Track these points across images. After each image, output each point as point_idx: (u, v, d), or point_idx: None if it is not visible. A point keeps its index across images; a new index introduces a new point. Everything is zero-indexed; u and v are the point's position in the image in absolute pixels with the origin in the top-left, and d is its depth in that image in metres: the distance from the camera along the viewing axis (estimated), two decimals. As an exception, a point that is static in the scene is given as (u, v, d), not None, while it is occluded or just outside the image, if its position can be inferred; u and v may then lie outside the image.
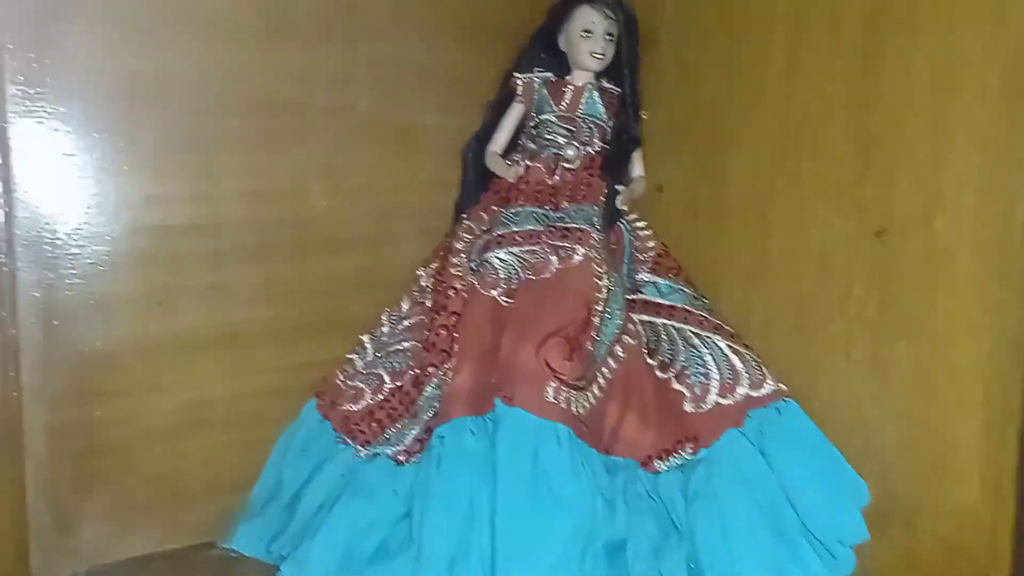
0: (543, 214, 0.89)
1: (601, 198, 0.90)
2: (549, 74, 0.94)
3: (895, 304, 0.75)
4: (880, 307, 0.76)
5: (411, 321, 0.91)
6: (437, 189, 0.96)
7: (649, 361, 0.88)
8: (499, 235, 0.88)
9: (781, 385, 0.82)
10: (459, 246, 0.91)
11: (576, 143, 0.91)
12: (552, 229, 0.88)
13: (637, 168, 0.95)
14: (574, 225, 0.87)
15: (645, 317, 0.90)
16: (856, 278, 0.78)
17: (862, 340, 0.77)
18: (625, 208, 0.91)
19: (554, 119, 0.92)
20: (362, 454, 0.84)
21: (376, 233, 0.94)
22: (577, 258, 0.85)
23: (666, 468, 0.81)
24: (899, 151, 0.74)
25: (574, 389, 0.80)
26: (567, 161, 0.91)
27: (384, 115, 0.93)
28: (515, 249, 0.87)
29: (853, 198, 0.77)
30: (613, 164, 0.92)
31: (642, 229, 0.94)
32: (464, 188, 0.96)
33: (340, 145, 0.91)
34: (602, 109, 0.92)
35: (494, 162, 0.94)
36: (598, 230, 0.88)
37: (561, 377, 0.80)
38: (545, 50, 0.95)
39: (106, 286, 0.80)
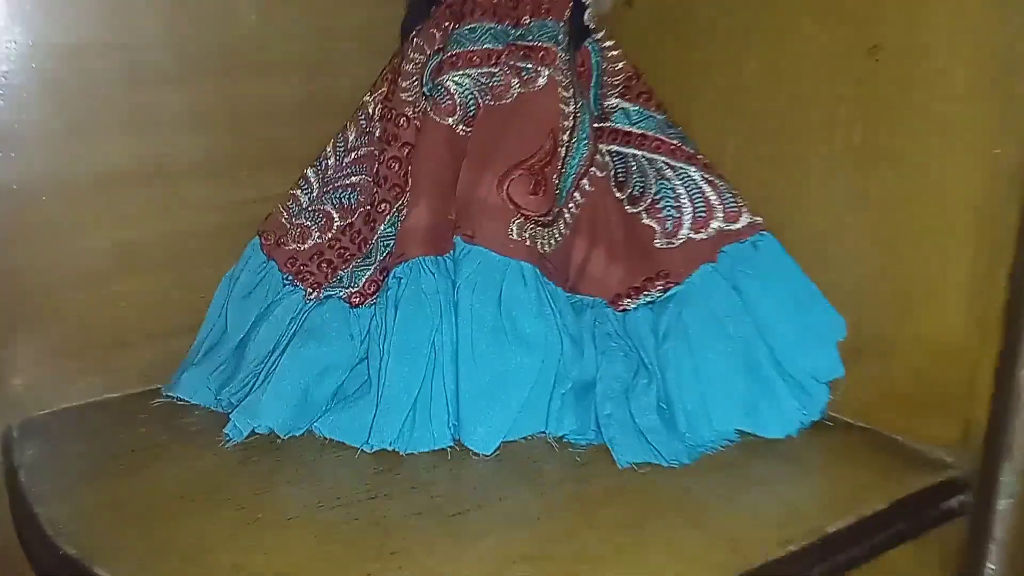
0: (502, 31, 0.80)
1: (567, 13, 0.81)
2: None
3: (883, 128, 0.69)
4: (866, 132, 0.71)
5: (359, 153, 0.83)
6: (382, 5, 0.85)
7: (618, 195, 0.82)
8: (453, 55, 0.79)
9: (757, 218, 0.78)
10: (409, 68, 0.82)
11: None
12: (512, 48, 0.79)
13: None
14: (537, 43, 0.78)
15: (614, 147, 0.84)
16: (842, 100, 0.72)
17: (845, 168, 0.73)
18: (592, 25, 0.82)
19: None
20: (312, 296, 0.78)
21: (315, 53, 0.84)
22: (541, 81, 0.77)
23: (635, 306, 0.78)
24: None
25: (540, 225, 0.75)
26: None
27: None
28: (472, 71, 0.79)
29: (844, 8, 0.70)
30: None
31: (611, 49, 0.86)
32: (412, 1, 0.85)
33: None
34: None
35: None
36: (563, 50, 0.79)
37: (526, 213, 0.74)
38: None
39: (11, 116, 0.70)
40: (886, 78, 0.68)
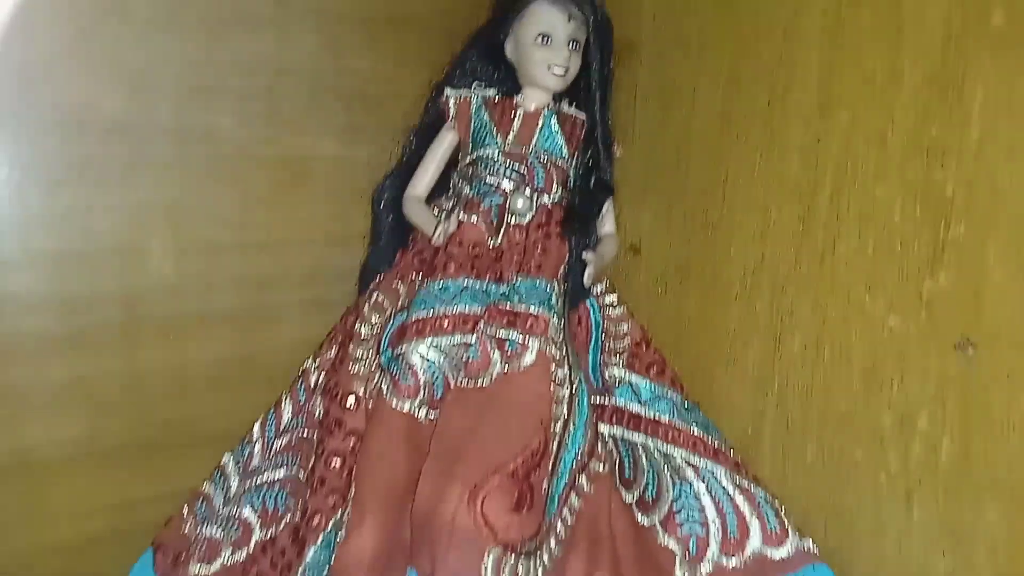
0: (482, 289, 0.64)
1: (562, 269, 0.65)
2: (492, 92, 0.69)
3: (978, 444, 0.52)
4: (957, 447, 0.53)
5: (293, 437, 0.65)
6: (333, 246, 0.70)
7: (625, 496, 0.64)
8: (419, 319, 0.62)
9: (808, 541, 0.59)
10: (363, 331, 0.65)
11: (527, 190, 0.66)
12: (495, 311, 0.63)
13: (607, 223, 0.71)
14: (524, 308, 0.62)
15: (619, 431, 0.67)
16: (923, 401, 0.55)
17: (929, 487, 0.55)
18: (591, 283, 0.67)
19: (498, 155, 0.67)
20: (214, 645, 0.57)
21: (244, 307, 0.67)
22: (529, 357, 0.61)
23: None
24: (987, 228, 0.51)
25: (522, 555, 0.56)
26: (515, 215, 0.66)
27: (258, 142, 0.66)
28: (442, 340, 0.62)
29: (919, 293, 0.55)
30: (578, 220, 0.67)
31: (614, 307, 0.70)
32: (373, 246, 0.70)
33: (192, 183, 0.64)
34: (562, 143, 0.68)
35: (415, 211, 0.68)
36: (557, 315, 0.63)
37: (506, 540, 0.55)
38: (488, 59, 0.70)
39: None
40: (976, 378, 0.52)
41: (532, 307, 0.62)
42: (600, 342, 0.70)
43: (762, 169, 0.64)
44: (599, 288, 0.70)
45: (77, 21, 0.57)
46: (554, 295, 0.64)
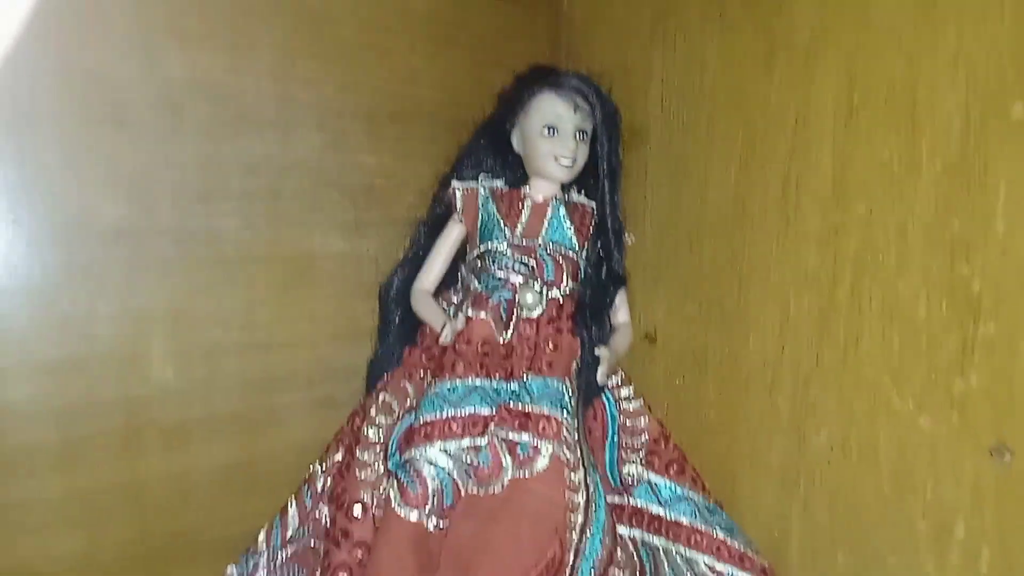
0: (492, 388, 0.62)
1: (574, 365, 0.63)
2: (499, 183, 0.68)
3: (1021, 556, 0.49)
4: (999, 558, 0.50)
5: (298, 547, 0.63)
6: (340, 344, 0.69)
7: (646, 606, 0.61)
8: (427, 422, 0.60)
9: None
10: (371, 433, 0.63)
11: (537, 284, 0.64)
12: (506, 413, 0.60)
13: (621, 313, 0.69)
14: (536, 409, 0.60)
15: (639, 534, 0.64)
16: (959, 508, 0.52)
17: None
18: (607, 380, 0.65)
19: (506, 249, 0.65)
20: None
21: (248, 410, 0.65)
22: (541, 462, 0.58)
23: None
24: (1018, 327, 0.49)
25: None
26: (525, 309, 0.64)
27: (261, 242, 0.65)
28: (451, 444, 0.60)
29: (949, 392, 0.52)
30: (590, 313, 0.65)
31: (630, 400, 0.68)
32: (381, 343, 0.69)
33: (194, 286, 0.62)
34: (572, 234, 0.66)
35: (423, 305, 0.67)
36: (571, 415, 0.61)
37: (520, 662, 0.52)
38: (494, 150, 0.69)
39: None
40: (1015, 487, 0.49)
41: (544, 408, 0.60)
42: (617, 438, 0.67)
43: (778, 258, 0.62)
44: (615, 380, 0.68)
45: (75, 128, 0.56)
46: (567, 394, 0.61)
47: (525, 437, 0.59)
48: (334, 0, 0.66)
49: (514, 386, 0.62)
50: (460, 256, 0.69)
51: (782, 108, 0.61)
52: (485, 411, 0.61)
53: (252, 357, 0.65)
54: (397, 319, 0.68)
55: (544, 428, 0.59)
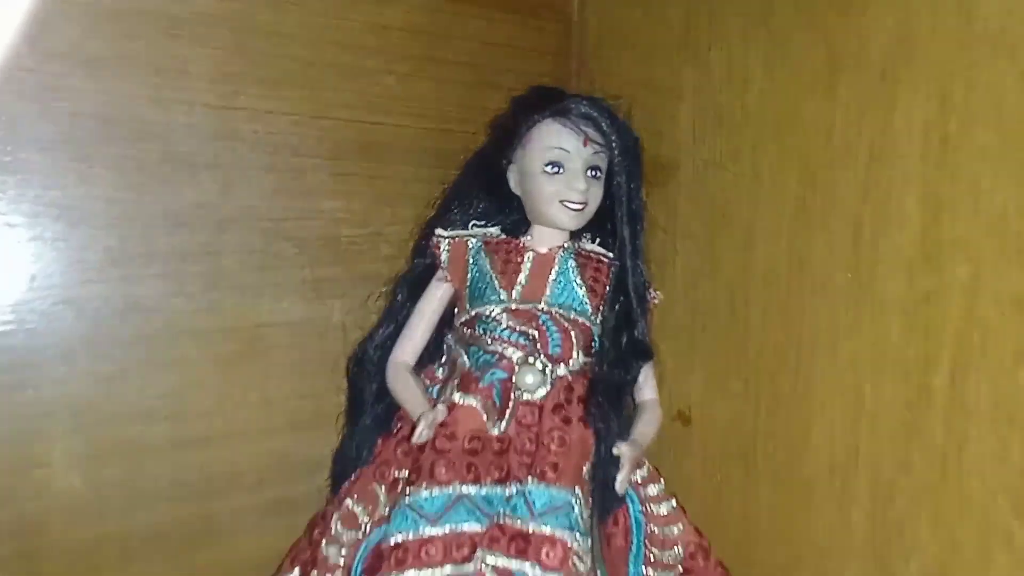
0: (483, 497, 0.49)
1: (585, 465, 0.50)
2: (494, 231, 0.55)
3: None
4: None
5: None
6: (296, 434, 0.57)
7: None
8: (399, 543, 0.47)
9: None
10: (331, 554, 0.50)
11: (539, 360, 0.51)
12: (498, 532, 0.47)
13: (647, 389, 0.56)
14: (538, 529, 0.46)
15: None
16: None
17: None
18: (624, 489, 0.51)
19: (501, 314, 0.52)
20: None
21: (182, 522, 0.53)
22: (545, 603, 0.45)
23: None
24: None
25: None
26: (525, 393, 0.51)
27: (197, 311, 0.52)
28: (429, 574, 0.46)
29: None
30: (607, 397, 0.52)
31: (659, 501, 0.54)
32: (349, 432, 0.56)
33: (108, 366, 0.50)
34: (584, 294, 0.53)
35: (400, 383, 0.54)
36: (582, 535, 0.47)
37: None
38: (487, 192, 0.56)
39: None
40: None
41: (548, 527, 0.46)
42: (643, 551, 0.54)
43: (850, 331, 0.48)
44: (639, 474, 0.54)
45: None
46: (577, 508, 0.48)
47: (524, 567, 0.46)
48: (287, 12, 0.54)
49: (510, 491, 0.49)
50: (447, 321, 0.56)
51: (851, 137, 0.47)
52: (473, 528, 0.48)
53: (185, 455, 0.52)
54: (370, 400, 0.55)
55: (548, 554, 0.46)
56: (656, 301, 0.56)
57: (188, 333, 0.52)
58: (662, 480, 0.55)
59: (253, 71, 0.53)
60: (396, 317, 0.56)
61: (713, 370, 0.57)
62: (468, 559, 0.47)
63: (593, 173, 0.53)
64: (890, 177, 0.45)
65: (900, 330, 0.45)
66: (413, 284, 0.56)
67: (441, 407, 0.50)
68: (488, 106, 0.58)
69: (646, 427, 0.54)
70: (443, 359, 0.56)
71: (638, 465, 0.54)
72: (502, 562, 0.46)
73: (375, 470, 0.53)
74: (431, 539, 0.47)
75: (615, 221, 0.54)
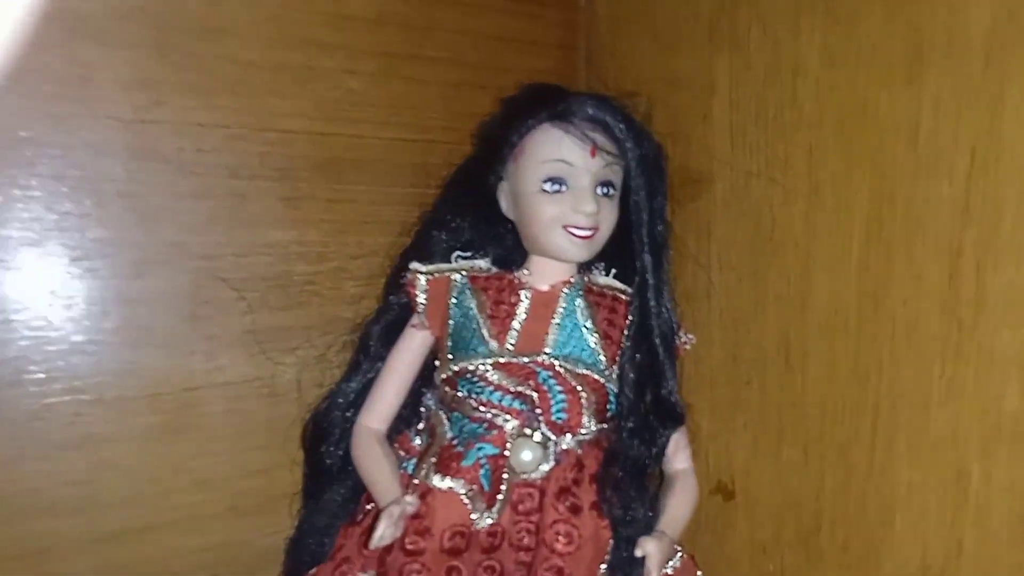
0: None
1: (600, 569, 0.39)
2: (482, 264, 0.44)
3: None
4: None
5: None
6: (240, 520, 0.46)
7: None
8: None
9: None
10: None
11: (539, 431, 0.40)
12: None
13: (679, 458, 0.44)
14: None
15: None
16: None
17: None
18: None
19: (490, 370, 0.41)
20: None
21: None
22: None
23: None
24: None
25: None
26: (521, 472, 0.40)
27: (108, 371, 0.42)
28: None
29: None
30: (628, 474, 0.41)
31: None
32: (305, 518, 0.45)
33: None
34: (596, 342, 0.42)
35: (368, 456, 0.44)
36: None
37: None
38: (474, 216, 0.45)
39: None
40: None
41: (549, 660, 0.35)
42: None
43: (947, 391, 0.36)
44: (670, 564, 0.43)
45: None
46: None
47: None
48: (224, 3, 0.43)
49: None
50: (428, 376, 0.45)
51: (942, 139, 0.36)
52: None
53: (100, 553, 0.41)
54: (332, 476, 0.45)
55: None
56: (687, 347, 0.44)
57: (99, 402, 0.41)
58: (699, 573, 0.43)
59: (178, 75, 0.42)
60: (364, 373, 0.45)
61: (762, 433, 0.45)
62: None
63: (604, 190, 0.42)
64: (1000, 191, 0.34)
65: (1018, 393, 0.33)
66: (384, 332, 0.45)
67: (410, 498, 0.39)
68: (476, 111, 0.47)
69: (678, 510, 0.43)
70: (421, 424, 0.45)
71: (668, 557, 0.42)
72: None
73: (334, 570, 0.42)
74: None
75: (634, 248, 0.43)
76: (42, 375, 0.40)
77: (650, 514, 0.41)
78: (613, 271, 0.45)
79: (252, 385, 0.45)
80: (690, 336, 0.45)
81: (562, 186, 0.41)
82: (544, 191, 0.41)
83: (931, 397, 0.37)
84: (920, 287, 0.37)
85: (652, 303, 0.42)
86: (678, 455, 0.44)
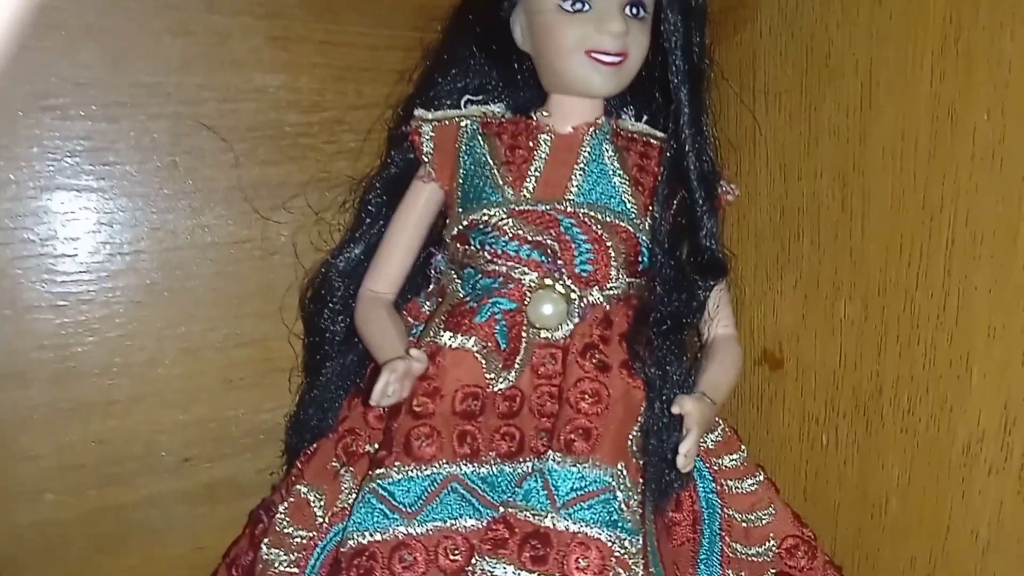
0: (482, 479, 0.34)
1: (632, 431, 0.34)
2: (496, 109, 0.39)
3: None
4: None
5: None
6: (232, 393, 0.42)
7: None
8: (363, 548, 0.33)
9: None
10: (275, 561, 0.35)
11: (561, 283, 0.36)
12: (505, 529, 0.32)
13: (722, 319, 0.39)
14: (564, 526, 0.31)
15: None
16: None
17: None
18: (694, 461, 0.35)
19: (506, 219, 0.36)
20: None
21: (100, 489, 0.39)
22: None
23: None
24: None
25: None
26: (542, 328, 0.35)
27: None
28: (403, 595, 0.32)
29: None
30: (663, 332, 0.36)
31: (740, 476, 0.38)
32: (306, 392, 0.41)
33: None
34: (625, 189, 0.37)
35: (372, 321, 0.39)
36: (630, 534, 0.32)
37: None
38: (486, 54, 0.40)
39: None
40: None
41: (576, 524, 0.31)
42: (719, 546, 0.38)
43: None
44: (710, 439, 0.39)
45: None
46: (621, 494, 0.32)
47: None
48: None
49: (523, 468, 0.34)
50: (437, 236, 0.40)
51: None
52: (467, 526, 0.33)
53: (80, 429, 0.38)
54: (334, 347, 0.40)
55: (578, 564, 0.30)
56: (730, 197, 0.39)
57: (72, 260, 0.37)
58: (743, 447, 0.39)
59: None
60: (367, 233, 0.40)
61: (814, 290, 0.40)
62: (461, 571, 0.32)
63: (634, 11, 0.36)
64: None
65: None
66: (388, 187, 0.40)
67: (417, 352, 0.35)
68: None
69: (720, 375, 0.38)
70: (431, 287, 0.40)
71: (709, 428, 0.38)
72: (511, 574, 0.31)
73: (337, 442, 0.38)
74: (407, 542, 0.32)
75: (668, 84, 0.37)
76: (11, 226, 0.36)
77: (690, 379, 0.37)
78: (645, 117, 0.40)
79: (242, 247, 0.40)
80: (733, 186, 0.40)
81: (584, 4, 0.35)
82: (563, 10, 0.36)
83: (1019, 227, 0.32)
84: (1007, 95, 0.31)
85: (690, 145, 0.37)
86: (719, 317, 0.39)
